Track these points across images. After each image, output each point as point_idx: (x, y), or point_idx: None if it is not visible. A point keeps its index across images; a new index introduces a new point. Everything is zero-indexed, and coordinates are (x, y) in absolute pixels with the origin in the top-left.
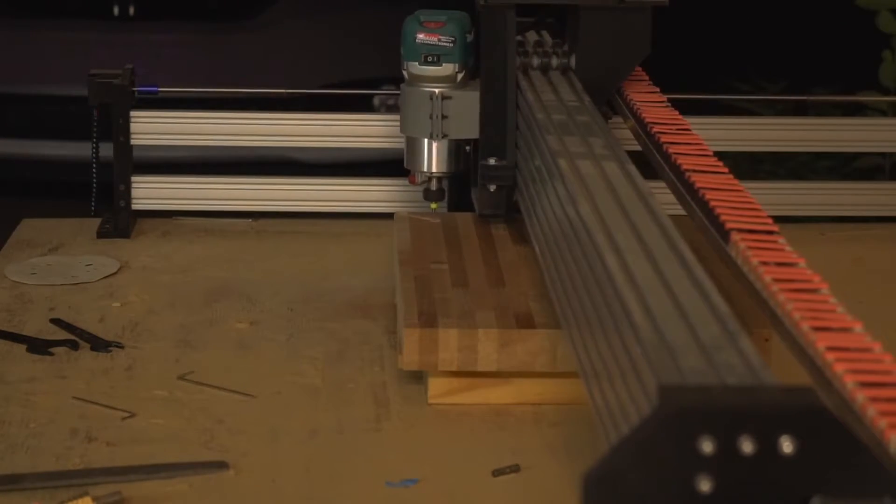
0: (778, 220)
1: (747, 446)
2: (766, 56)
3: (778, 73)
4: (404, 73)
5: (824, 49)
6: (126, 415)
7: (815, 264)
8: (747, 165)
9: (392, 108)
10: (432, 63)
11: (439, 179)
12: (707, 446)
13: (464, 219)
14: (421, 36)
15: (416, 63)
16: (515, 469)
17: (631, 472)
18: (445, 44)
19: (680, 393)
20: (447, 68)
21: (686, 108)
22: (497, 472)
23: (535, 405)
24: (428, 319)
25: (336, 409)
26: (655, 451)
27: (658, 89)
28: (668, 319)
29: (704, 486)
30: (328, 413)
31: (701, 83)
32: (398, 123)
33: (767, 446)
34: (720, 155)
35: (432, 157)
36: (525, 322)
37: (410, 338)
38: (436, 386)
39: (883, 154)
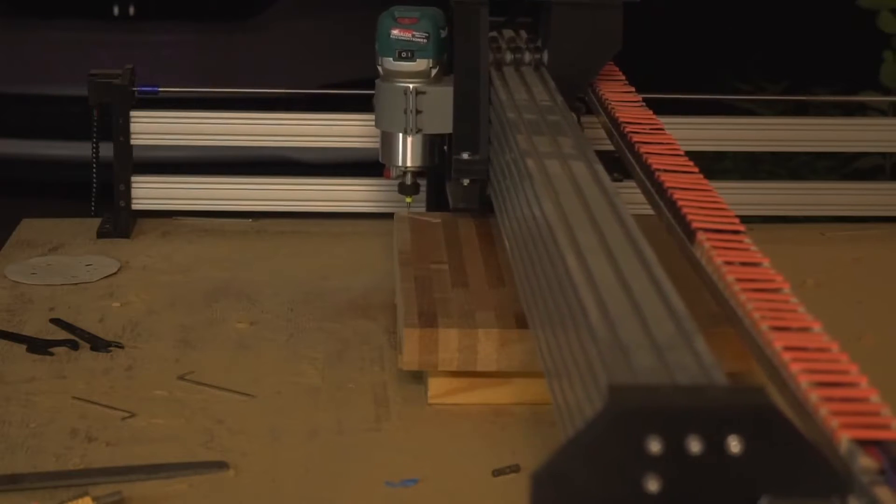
0: (778, 220)
1: (695, 446)
2: (766, 56)
3: (778, 73)
4: (379, 68)
5: (825, 49)
6: (126, 415)
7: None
8: (747, 165)
9: None
10: (406, 59)
11: (414, 174)
12: (654, 446)
13: (464, 219)
14: (395, 32)
15: (391, 59)
16: (515, 469)
17: (580, 472)
18: (419, 39)
19: (628, 392)
20: (421, 64)
21: (686, 108)
22: (497, 472)
23: (535, 405)
24: (428, 319)
25: (336, 409)
26: (603, 451)
27: (633, 88)
28: (624, 319)
29: (652, 485)
30: (328, 413)
31: (701, 83)
32: (374, 119)
33: (715, 446)
34: (720, 155)
35: (407, 152)
36: (525, 322)
37: (410, 338)
38: (436, 386)
39: (883, 154)
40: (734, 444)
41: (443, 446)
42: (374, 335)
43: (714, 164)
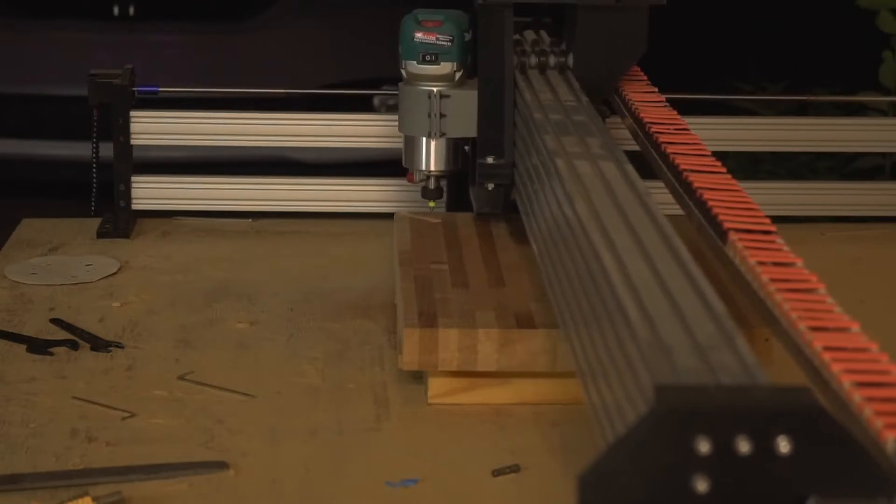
0: (778, 220)
1: (744, 446)
2: (766, 56)
3: (778, 73)
4: (402, 72)
5: (824, 49)
6: (126, 415)
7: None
8: (747, 165)
9: (392, 108)
10: (430, 62)
11: (437, 178)
12: (703, 446)
13: (464, 219)
14: (419, 35)
15: (415, 62)
16: (515, 469)
17: (627, 473)
18: (443, 43)
19: (675, 393)
20: (445, 67)
21: (686, 108)
22: (497, 472)
23: (535, 405)
24: (428, 319)
25: (336, 409)
26: (651, 452)
27: (656, 89)
28: (663, 319)
29: (701, 486)
30: (328, 413)
31: (701, 83)
32: (397, 123)
33: (764, 446)
34: (720, 155)
35: (430, 156)
36: (525, 322)
37: (410, 338)
38: (436, 386)
39: (883, 154)
40: (783, 445)
41: (443, 446)
42: (374, 335)
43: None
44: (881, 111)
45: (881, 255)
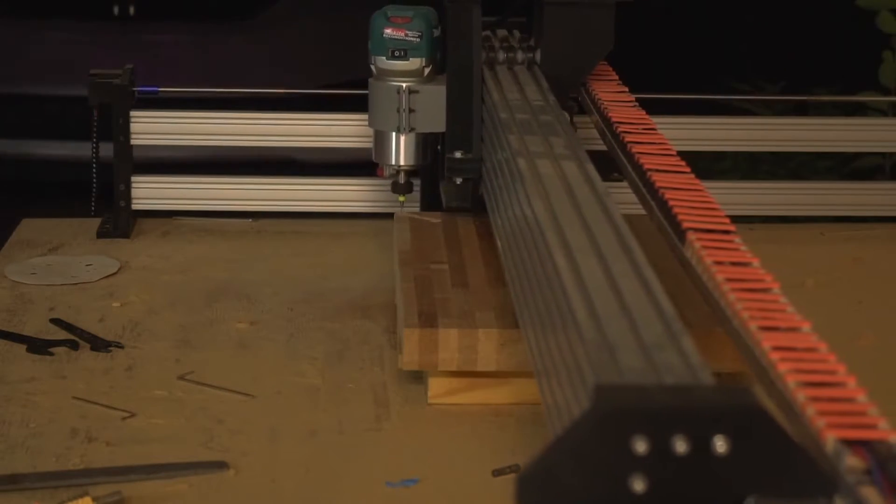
0: (778, 220)
1: (681, 446)
2: (766, 56)
3: (778, 73)
4: (372, 67)
5: (824, 49)
6: (126, 415)
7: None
8: (747, 165)
9: None
10: (399, 57)
11: (407, 173)
12: (641, 446)
13: (464, 219)
14: (388, 31)
15: (384, 57)
16: (515, 469)
17: (566, 472)
18: (412, 38)
19: (615, 392)
20: (414, 63)
21: (686, 108)
22: (497, 472)
23: (535, 405)
24: (428, 319)
25: (336, 409)
26: (590, 450)
27: (626, 88)
28: (612, 319)
29: (639, 485)
30: (328, 413)
31: (701, 83)
32: (367, 118)
33: (701, 446)
34: (720, 155)
35: (400, 151)
36: None
37: (410, 338)
38: (436, 386)
39: (883, 154)
40: (720, 444)
41: (443, 446)
42: (374, 335)
43: (714, 164)
44: (881, 111)
45: (881, 255)
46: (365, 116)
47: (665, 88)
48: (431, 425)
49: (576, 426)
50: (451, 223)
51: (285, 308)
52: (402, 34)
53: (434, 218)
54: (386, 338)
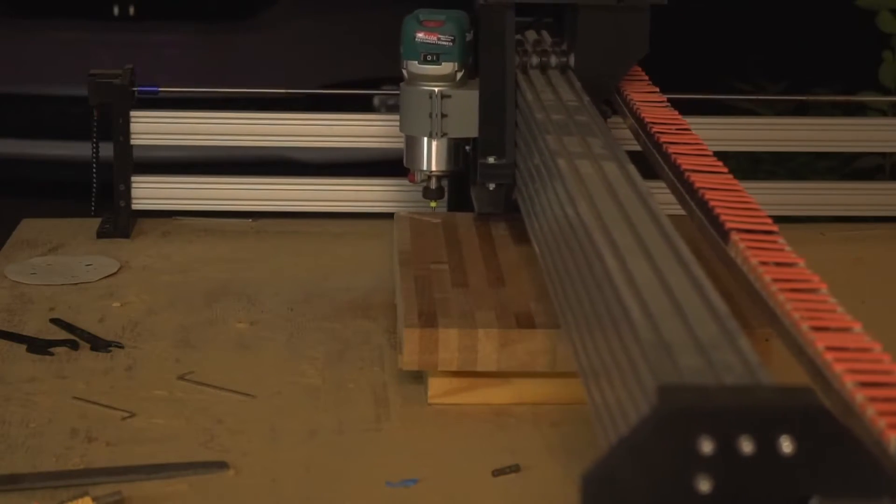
0: (778, 220)
1: (746, 446)
2: (766, 56)
3: (778, 73)
4: (404, 71)
5: (824, 49)
6: (126, 415)
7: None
8: (747, 165)
9: (392, 108)
10: (431, 62)
11: (439, 178)
12: (706, 446)
13: (464, 219)
14: (420, 35)
15: (416, 62)
16: (515, 469)
17: (630, 473)
18: (444, 43)
19: (678, 393)
20: (446, 67)
21: (686, 108)
22: (497, 472)
23: (535, 405)
24: (428, 319)
25: (336, 409)
26: (654, 451)
27: (658, 89)
28: (666, 318)
29: (704, 486)
30: (328, 413)
31: (701, 83)
32: (398, 123)
33: (766, 446)
34: (720, 155)
35: (431, 156)
36: (525, 322)
37: (410, 338)
38: (436, 386)
39: (883, 154)
40: (786, 445)
41: (443, 446)
42: (374, 335)
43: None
44: (881, 111)
45: (881, 255)
46: (366, 116)
47: (665, 88)
48: (431, 425)
49: (639, 427)
50: (451, 223)
51: (285, 308)
52: (435, 38)
53: (434, 218)
54: (386, 338)
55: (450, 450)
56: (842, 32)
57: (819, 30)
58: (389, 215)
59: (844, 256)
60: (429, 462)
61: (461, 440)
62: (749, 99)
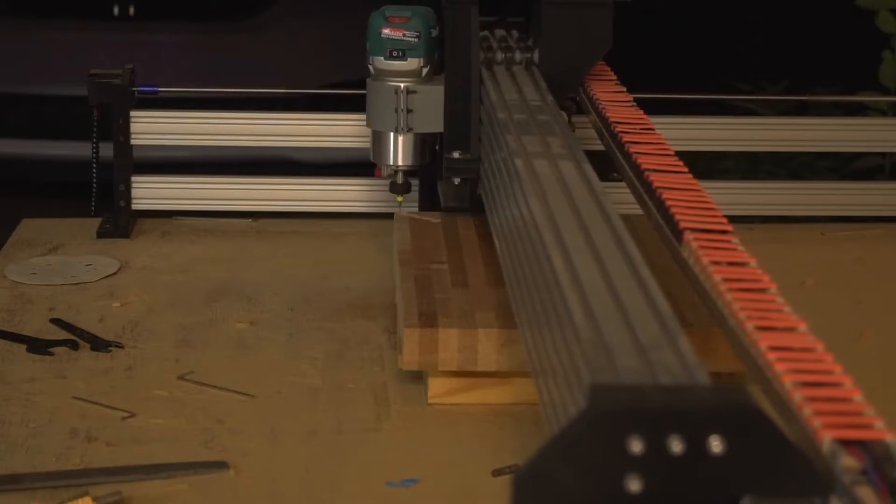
0: (778, 220)
1: (676, 446)
2: (766, 56)
3: (778, 73)
4: (370, 67)
5: (824, 49)
6: (126, 415)
7: (815, 264)
8: (747, 165)
9: None
10: (397, 58)
11: (405, 173)
12: (636, 446)
13: (464, 219)
14: (386, 31)
15: (382, 58)
16: (516, 469)
17: (561, 472)
18: (410, 39)
19: (610, 392)
20: (412, 63)
21: (686, 108)
22: (497, 472)
23: (535, 405)
24: (428, 319)
25: (336, 409)
26: (585, 451)
27: (625, 88)
28: (608, 319)
29: (634, 485)
30: (328, 413)
31: (701, 83)
32: (365, 119)
33: (696, 446)
34: (720, 155)
35: (398, 151)
36: None
37: (410, 338)
38: (436, 386)
39: (883, 154)
40: (715, 444)
41: (443, 446)
42: (374, 335)
43: (714, 164)
44: (881, 111)
45: (881, 255)
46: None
47: (666, 88)
48: (431, 425)
49: (571, 426)
50: (451, 223)
51: (285, 308)
52: (401, 34)
53: (434, 218)
54: (386, 338)
55: (450, 450)
56: (841, 32)
57: (819, 30)
58: (389, 215)
59: (844, 256)
60: (429, 462)
61: (461, 440)
62: (749, 99)
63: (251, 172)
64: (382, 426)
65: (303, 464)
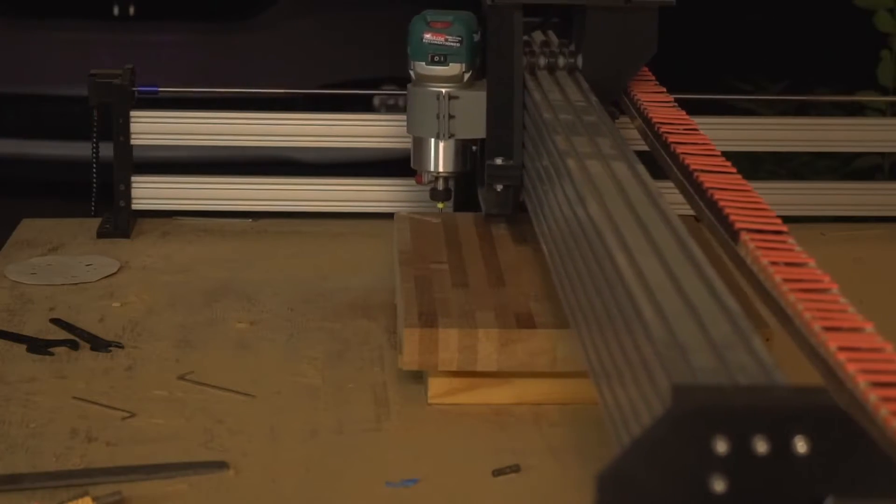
0: None
1: (761, 446)
2: (766, 56)
3: (778, 73)
4: (411, 72)
5: (823, 49)
6: (126, 415)
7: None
8: (747, 165)
9: (392, 108)
10: (439, 63)
11: (446, 179)
12: (721, 446)
13: (464, 219)
14: (428, 36)
15: (423, 63)
16: (515, 469)
17: (644, 473)
18: (452, 44)
19: (693, 392)
20: (454, 68)
21: (686, 108)
22: (497, 472)
23: (536, 405)
24: (428, 319)
25: (336, 409)
26: (669, 452)
27: (665, 89)
28: (679, 318)
29: (719, 486)
30: (328, 413)
31: (701, 83)
32: (398, 123)
33: (781, 446)
34: (726, 156)
35: (439, 157)
36: (525, 322)
37: (410, 338)
38: (436, 386)
39: (882, 154)
40: (800, 445)
41: (443, 446)
42: (374, 335)
43: None
44: (880, 111)
45: (881, 255)
46: (366, 116)
47: (665, 88)
48: (431, 425)
49: (654, 427)
50: (451, 223)
51: (285, 308)
52: (442, 39)
53: (434, 218)
54: (386, 338)
55: (450, 450)
56: (839, 32)
57: (817, 30)
58: (389, 215)
59: (844, 256)
60: (429, 462)
61: (461, 440)
62: (749, 99)
63: (251, 172)
64: (382, 426)
65: (303, 464)
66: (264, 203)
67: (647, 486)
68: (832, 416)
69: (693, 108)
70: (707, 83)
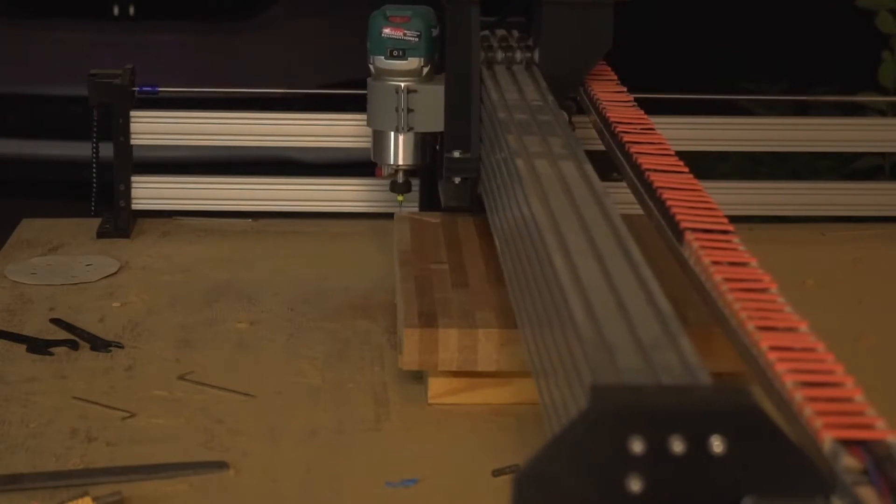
0: (778, 220)
1: (678, 446)
2: (766, 56)
3: (778, 74)
4: (371, 66)
5: (824, 49)
6: (126, 415)
7: (815, 264)
8: (747, 165)
9: None
10: (398, 57)
11: (406, 172)
12: (637, 446)
13: (464, 219)
14: (386, 30)
15: (382, 57)
16: (515, 469)
17: (562, 472)
18: (411, 38)
19: (610, 393)
20: (412, 62)
21: (686, 108)
22: (497, 472)
23: (536, 405)
24: (428, 319)
25: (336, 409)
26: (586, 451)
27: (625, 88)
28: (609, 319)
29: (635, 485)
30: (328, 413)
31: (702, 83)
32: (366, 118)
33: (698, 446)
34: (721, 155)
35: (398, 150)
36: None
37: (410, 338)
38: (436, 386)
39: (882, 154)
40: (717, 444)
41: (443, 446)
42: (374, 335)
43: (715, 165)
44: (880, 111)
45: (881, 255)
46: (365, 116)
47: (665, 88)
48: (431, 425)
49: (572, 426)
50: (451, 223)
51: (285, 308)
52: (401, 34)
53: (434, 218)
54: (386, 338)
55: (450, 450)
56: (841, 33)
57: (818, 30)
58: (389, 215)
59: (844, 256)
60: (429, 462)
61: (461, 440)
62: (749, 99)
63: (251, 172)
64: (382, 426)
65: (303, 464)
66: (264, 203)
67: (564, 485)
68: (750, 416)
69: (694, 108)
70: (707, 83)
